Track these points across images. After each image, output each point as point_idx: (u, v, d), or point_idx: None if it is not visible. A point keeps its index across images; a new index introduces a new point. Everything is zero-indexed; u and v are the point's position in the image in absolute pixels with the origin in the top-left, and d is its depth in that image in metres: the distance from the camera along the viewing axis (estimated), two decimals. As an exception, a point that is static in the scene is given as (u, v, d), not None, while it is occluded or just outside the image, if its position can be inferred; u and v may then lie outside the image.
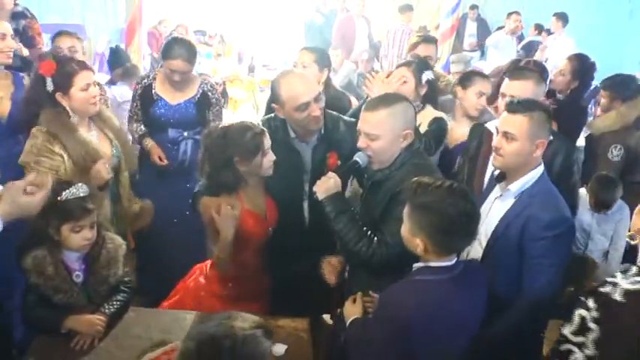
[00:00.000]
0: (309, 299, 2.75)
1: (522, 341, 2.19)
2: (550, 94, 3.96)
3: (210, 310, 2.49)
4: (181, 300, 2.61)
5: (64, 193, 2.26)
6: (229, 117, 4.47)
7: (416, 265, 1.93)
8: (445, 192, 1.83)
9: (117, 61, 4.97)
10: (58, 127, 2.68)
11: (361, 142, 2.29)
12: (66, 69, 2.69)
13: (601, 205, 3.37)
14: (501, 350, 2.17)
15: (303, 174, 2.68)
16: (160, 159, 3.44)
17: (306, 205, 2.72)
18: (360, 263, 2.32)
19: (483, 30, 8.37)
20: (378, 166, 2.31)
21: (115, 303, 2.38)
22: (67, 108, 2.70)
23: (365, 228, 2.28)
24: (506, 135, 2.19)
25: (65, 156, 2.66)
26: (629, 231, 2.27)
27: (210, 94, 3.50)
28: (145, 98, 3.49)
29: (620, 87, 3.80)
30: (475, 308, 1.94)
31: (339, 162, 2.63)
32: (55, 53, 3.38)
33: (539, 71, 3.28)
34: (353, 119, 2.74)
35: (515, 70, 3.16)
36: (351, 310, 2.13)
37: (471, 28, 8.53)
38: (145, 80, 3.55)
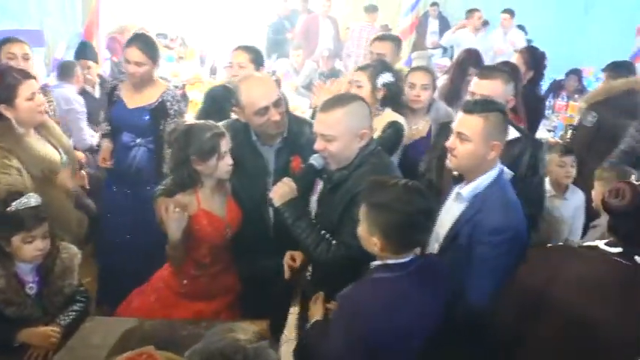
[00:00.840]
0: (275, 299, 2.72)
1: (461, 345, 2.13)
2: None
3: (167, 303, 2.56)
4: (143, 290, 2.64)
5: (13, 204, 2.22)
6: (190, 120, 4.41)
7: (373, 264, 1.94)
8: (401, 190, 1.85)
9: (82, 56, 4.78)
10: (11, 141, 2.60)
11: (318, 145, 2.29)
12: (8, 80, 2.60)
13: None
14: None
15: (266, 177, 2.67)
16: (104, 160, 3.44)
17: (270, 207, 2.68)
18: (322, 265, 2.33)
19: (445, 27, 8.43)
20: (335, 167, 2.31)
21: (70, 313, 2.35)
22: (13, 120, 2.61)
23: (323, 231, 2.29)
24: (460, 136, 2.16)
25: (23, 170, 2.59)
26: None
27: (169, 104, 3.40)
28: (110, 98, 3.49)
29: (619, 68, 4.16)
30: (435, 302, 1.95)
31: (302, 165, 2.60)
32: (4, 62, 3.30)
33: (508, 70, 3.35)
34: None
35: (485, 69, 3.19)
36: (313, 312, 2.14)
37: (433, 25, 8.60)
38: (115, 80, 3.58)
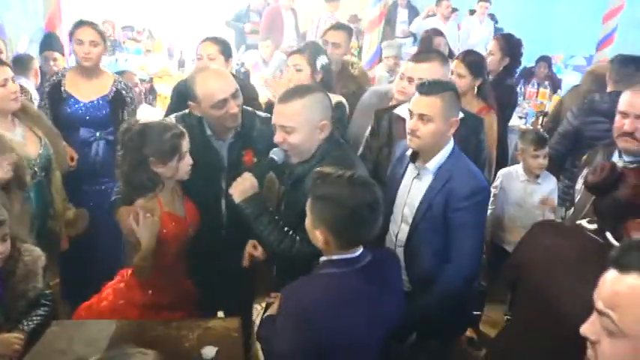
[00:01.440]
0: (234, 297, 2.74)
1: (454, 310, 2.31)
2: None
3: (132, 317, 2.42)
4: (98, 305, 2.48)
5: (-31, 206, 2.12)
6: (159, 114, 4.30)
7: (321, 259, 1.89)
8: (345, 182, 1.79)
9: (48, 48, 4.60)
10: None
11: (277, 137, 2.25)
12: None
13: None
14: (432, 322, 2.27)
15: (220, 172, 2.62)
16: (72, 160, 3.30)
17: (223, 203, 2.65)
18: (286, 260, 2.29)
19: (414, 16, 8.43)
20: (296, 160, 2.27)
21: (34, 318, 2.27)
22: None
23: (286, 228, 2.24)
24: (422, 117, 2.25)
25: None
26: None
27: (124, 92, 3.35)
28: (54, 96, 3.32)
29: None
30: (390, 298, 1.90)
31: (254, 159, 2.58)
32: None
33: (472, 60, 3.39)
34: (268, 115, 2.66)
35: (420, 53, 3.20)
36: (272, 309, 2.07)
37: (402, 15, 8.58)
38: (54, 77, 3.39)
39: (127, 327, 2.32)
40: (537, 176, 3.51)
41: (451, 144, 2.34)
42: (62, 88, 3.31)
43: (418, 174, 2.37)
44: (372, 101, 3.32)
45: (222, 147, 2.62)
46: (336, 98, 3.12)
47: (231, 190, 2.28)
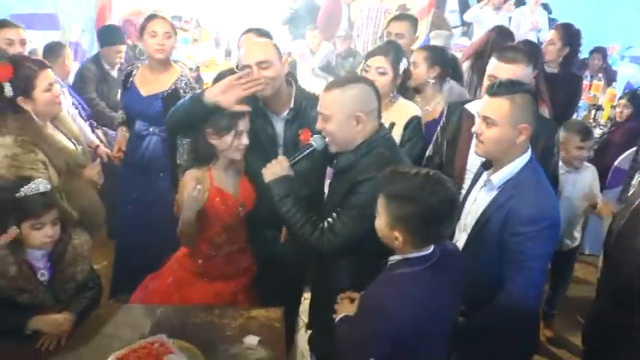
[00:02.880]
0: (288, 284, 2.79)
1: (498, 341, 2.11)
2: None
3: (183, 284, 2.56)
4: (158, 274, 2.66)
5: (22, 190, 2.17)
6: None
7: (392, 259, 1.86)
8: (423, 180, 1.76)
9: (109, 40, 4.62)
10: (33, 134, 2.54)
11: (318, 123, 2.27)
12: (25, 71, 2.52)
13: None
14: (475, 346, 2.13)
15: (277, 147, 2.65)
16: (119, 150, 3.40)
17: None
18: (307, 247, 2.28)
19: (464, 5, 8.22)
20: (335, 149, 2.27)
21: (82, 301, 2.31)
22: (31, 112, 2.54)
23: (311, 213, 2.24)
24: (486, 120, 2.08)
25: (49, 164, 2.56)
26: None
27: (182, 91, 3.32)
28: (124, 85, 3.42)
29: None
30: (454, 293, 1.89)
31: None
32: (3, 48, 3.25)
33: (528, 50, 3.21)
34: None
35: (503, 50, 3.04)
36: (339, 309, 2.06)
37: (452, 4, 8.40)
38: (129, 67, 3.47)
39: (171, 313, 2.36)
40: (578, 167, 3.49)
41: (527, 156, 2.11)
42: (130, 79, 3.37)
43: (485, 184, 2.21)
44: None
45: (277, 121, 2.64)
46: (410, 108, 3.05)
47: (262, 170, 2.30)
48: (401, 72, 2.99)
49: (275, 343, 2.19)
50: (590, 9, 8.72)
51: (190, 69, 4.91)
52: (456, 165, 2.73)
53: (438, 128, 2.95)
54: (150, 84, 3.34)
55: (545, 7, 8.05)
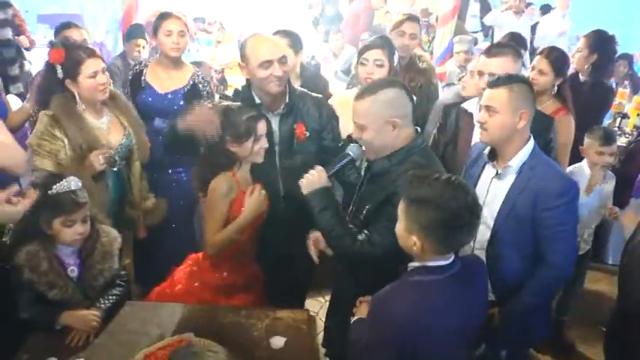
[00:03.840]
0: (294, 276, 2.81)
1: (534, 317, 2.31)
2: (571, 79, 3.87)
3: (202, 301, 2.50)
4: (172, 289, 2.58)
5: (54, 187, 2.21)
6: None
7: (411, 265, 1.83)
8: (444, 185, 1.73)
9: (129, 34, 4.79)
10: (63, 112, 2.69)
11: (354, 132, 2.24)
12: (73, 56, 2.69)
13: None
14: (525, 322, 2.29)
15: (273, 144, 2.66)
16: None
17: (280, 181, 2.72)
18: (344, 258, 2.28)
19: (486, 10, 8.19)
20: (373, 157, 2.24)
21: (110, 298, 2.34)
22: (76, 95, 2.71)
23: (351, 226, 2.22)
24: (488, 109, 2.25)
25: (66, 141, 2.66)
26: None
27: (200, 86, 3.37)
28: (134, 85, 3.41)
29: None
30: (478, 305, 1.87)
31: (307, 133, 2.67)
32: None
33: (516, 46, 3.18)
34: (320, 95, 2.89)
35: (493, 47, 3.09)
36: (360, 311, 2.05)
37: (474, 8, 8.36)
38: (137, 67, 3.48)
39: (198, 312, 2.37)
40: (604, 176, 3.43)
41: (532, 142, 2.29)
42: (142, 78, 3.38)
43: (497, 173, 2.32)
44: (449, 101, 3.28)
45: (272, 118, 2.67)
46: None
47: (300, 182, 2.28)
48: (395, 64, 3.15)
49: (302, 344, 2.19)
50: (615, 15, 8.64)
51: (215, 71, 4.94)
52: (457, 163, 2.76)
53: (435, 130, 3.06)
54: (164, 81, 3.37)
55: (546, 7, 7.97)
